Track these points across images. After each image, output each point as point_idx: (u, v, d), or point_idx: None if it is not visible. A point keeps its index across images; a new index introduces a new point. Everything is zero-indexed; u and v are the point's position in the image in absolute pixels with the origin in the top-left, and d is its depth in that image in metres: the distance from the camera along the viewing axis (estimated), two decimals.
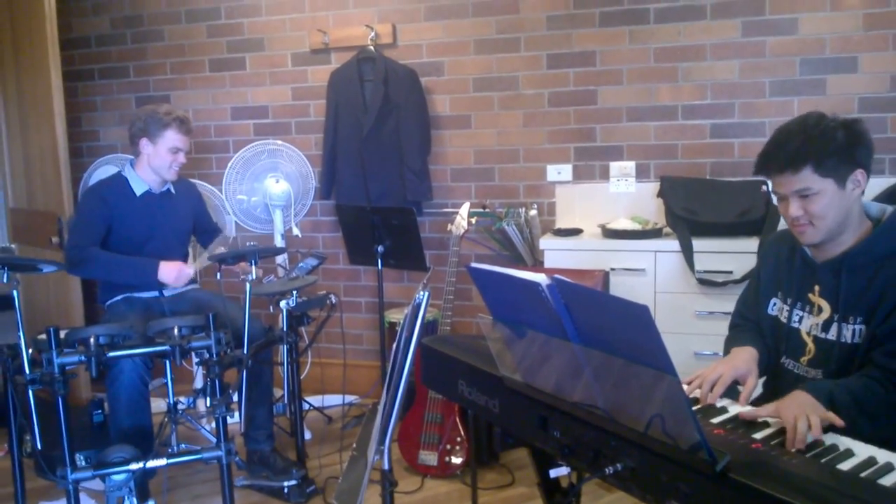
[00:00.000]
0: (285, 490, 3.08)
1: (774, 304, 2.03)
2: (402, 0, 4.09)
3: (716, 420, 1.63)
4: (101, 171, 4.22)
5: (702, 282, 3.26)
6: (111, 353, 2.48)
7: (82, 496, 2.74)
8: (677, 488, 1.31)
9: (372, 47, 4.05)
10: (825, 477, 1.29)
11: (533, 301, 1.53)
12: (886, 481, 1.29)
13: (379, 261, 3.64)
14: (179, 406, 2.69)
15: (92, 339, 2.45)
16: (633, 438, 1.40)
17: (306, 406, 3.93)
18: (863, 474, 1.32)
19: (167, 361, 2.61)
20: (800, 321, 1.94)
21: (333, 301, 3.25)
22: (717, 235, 3.35)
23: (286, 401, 3.50)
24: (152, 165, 3.21)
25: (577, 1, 3.81)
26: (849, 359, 1.80)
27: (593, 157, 3.90)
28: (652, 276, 3.37)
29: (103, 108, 4.76)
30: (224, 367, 2.58)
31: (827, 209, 1.78)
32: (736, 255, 3.24)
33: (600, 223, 3.65)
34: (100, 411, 3.35)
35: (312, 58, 4.30)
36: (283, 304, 3.10)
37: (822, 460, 1.39)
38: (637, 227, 3.53)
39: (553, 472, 1.73)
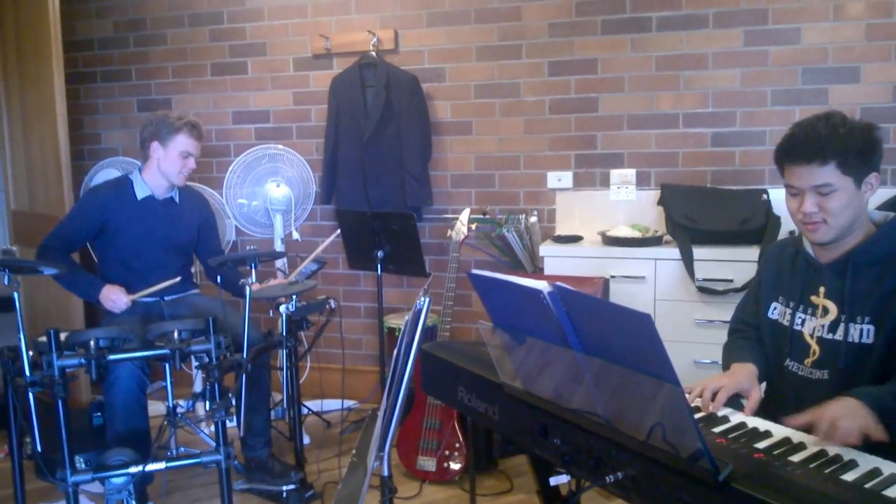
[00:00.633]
0: (284, 494, 3.08)
1: (775, 309, 2.03)
2: (404, 6, 4.10)
3: (718, 429, 1.62)
4: (103, 174, 4.23)
5: (702, 290, 3.26)
6: (111, 357, 2.48)
7: (82, 498, 2.74)
8: (679, 498, 1.31)
9: (374, 53, 4.05)
10: (829, 487, 1.28)
11: (534, 308, 1.53)
12: (891, 492, 1.28)
13: (379, 266, 3.64)
14: (178, 409, 2.69)
15: (92, 342, 2.46)
16: (635, 447, 1.40)
17: (305, 410, 3.93)
18: (867, 485, 1.31)
19: (167, 365, 2.61)
20: (802, 324, 1.93)
21: (333, 306, 3.25)
22: (717, 244, 3.35)
23: (285, 405, 3.50)
24: (162, 169, 3.21)
25: (579, 9, 3.82)
26: (859, 358, 1.79)
27: (594, 164, 3.90)
28: (652, 283, 3.38)
29: (105, 111, 4.76)
30: (223, 371, 2.58)
31: (843, 208, 1.77)
32: (736, 264, 3.24)
33: (600, 230, 3.65)
34: (99, 414, 3.35)
35: (314, 63, 4.30)
36: (282, 308, 3.10)
37: (826, 470, 1.38)
38: (637, 234, 3.53)
39: (553, 480, 1.72)
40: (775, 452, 1.45)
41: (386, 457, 1.83)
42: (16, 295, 2.47)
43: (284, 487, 3.09)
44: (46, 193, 4.13)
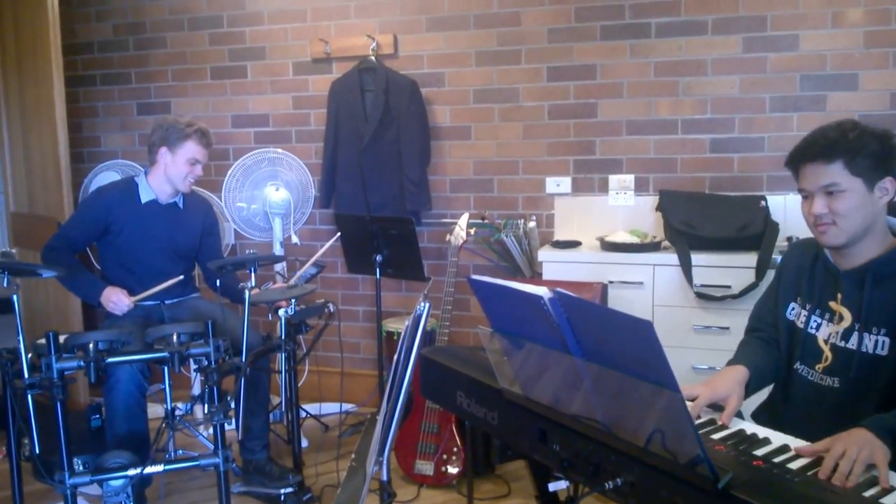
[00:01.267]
0: (282, 497, 3.09)
1: (793, 309, 2.01)
2: (403, 11, 4.11)
3: (717, 436, 1.63)
4: (102, 177, 4.23)
5: (700, 296, 3.27)
6: (110, 359, 2.48)
7: (80, 500, 2.74)
8: None
9: (373, 57, 4.06)
10: (828, 495, 1.28)
11: (534, 314, 1.54)
12: (889, 500, 1.29)
13: (377, 270, 3.64)
14: (177, 412, 2.69)
15: (91, 345, 2.45)
16: (634, 453, 1.40)
17: (303, 414, 3.93)
18: (866, 493, 1.32)
19: (165, 368, 2.60)
20: (817, 328, 1.92)
21: (332, 309, 3.25)
22: (715, 250, 3.36)
23: (283, 408, 3.50)
24: (168, 175, 3.22)
25: (579, 14, 3.83)
26: (872, 369, 1.78)
27: (592, 169, 3.91)
28: (650, 289, 3.38)
29: (105, 114, 4.77)
30: (222, 374, 2.58)
31: (852, 210, 1.76)
32: (734, 270, 3.25)
33: (599, 236, 3.66)
34: (98, 416, 3.34)
35: (313, 67, 4.31)
36: (281, 312, 3.10)
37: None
38: (636, 240, 3.54)
39: (552, 486, 1.72)
40: (774, 460, 1.46)
41: (385, 461, 1.83)
42: (15, 297, 2.46)
43: (282, 490, 3.09)
44: (46, 196, 4.14)
